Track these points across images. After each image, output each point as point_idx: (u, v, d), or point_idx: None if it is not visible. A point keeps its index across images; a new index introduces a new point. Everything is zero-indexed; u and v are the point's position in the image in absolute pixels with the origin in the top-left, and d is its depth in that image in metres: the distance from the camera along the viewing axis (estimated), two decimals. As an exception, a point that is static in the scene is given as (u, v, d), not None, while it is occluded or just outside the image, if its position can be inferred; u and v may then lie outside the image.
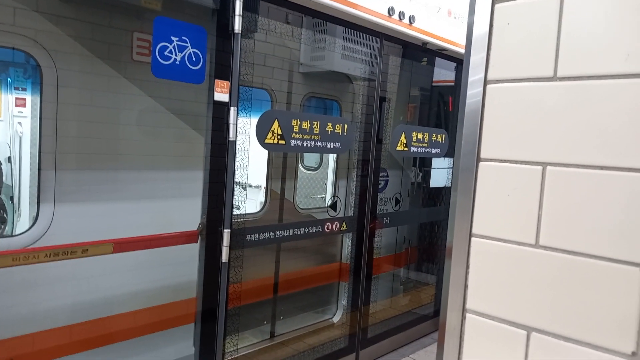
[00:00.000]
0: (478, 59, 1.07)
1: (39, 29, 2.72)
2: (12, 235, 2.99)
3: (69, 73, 2.84)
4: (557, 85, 0.98)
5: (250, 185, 6.23)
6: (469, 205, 1.09)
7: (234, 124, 2.89)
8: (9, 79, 5.26)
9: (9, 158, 5.37)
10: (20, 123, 5.37)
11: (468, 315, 1.10)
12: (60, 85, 2.79)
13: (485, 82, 1.06)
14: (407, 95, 4.95)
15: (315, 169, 5.62)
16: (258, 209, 5.05)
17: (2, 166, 4.85)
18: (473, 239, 1.09)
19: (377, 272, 4.41)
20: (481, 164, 1.07)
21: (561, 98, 0.97)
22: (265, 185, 4.55)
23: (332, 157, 5.20)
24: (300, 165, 5.08)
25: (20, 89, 5.52)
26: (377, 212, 4.08)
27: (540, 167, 1.00)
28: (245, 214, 3.88)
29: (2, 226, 4.56)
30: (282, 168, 4.53)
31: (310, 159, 5.52)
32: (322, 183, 5.41)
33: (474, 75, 1.08)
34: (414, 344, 4.66)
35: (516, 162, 1.03)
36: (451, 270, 1.12)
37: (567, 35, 0.96)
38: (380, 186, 4.50)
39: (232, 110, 2.87)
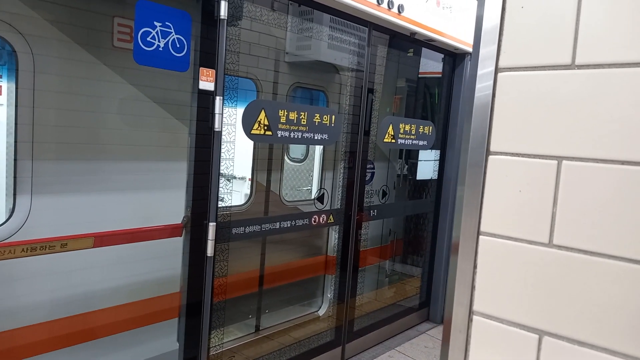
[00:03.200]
0: (489, 44, 1.00)
1: (14, 12, 2.58)
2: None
3: (46, 59, 2.70)
4: (575, 74, 0.91)
5: (235, 177, 6.17)
6: (477, 201, 1.02)
7: (219, 113, 2.81)
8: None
9: None
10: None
11: (475, 317, 1.03)
12: (36, 72, 2.65)
13: (497, 70, 0.99)
14: (394, 86, 4.88)
15: (301, 161, 5.55)
16: (243, 201, 4.96)
17: None
18: (481, 237, 1.02)
19: (364, 264, 4.36)
20: (491, 157, 1.00)
21: (579, 87, 0.90)
22: (250, 177, 4.46)
23: (318, 149, 5.11)
24: (285, 157, 4.99)
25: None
26: (364, 204, 4.02)
27: (555, 162, 0.93)
28: (230, 207, 3.80)
29: None
30: (267, 159, 4.43)
31: (296, 150, 5.44)
32: (308, 175, 5.33)
33: (484, 61, 1.01)
34: (399, 336, 4.63)
35: (529, 155, 0.96)
36: (457, 270, 1.05)
37: (587, 19, 0.89)
38: (366, 178, 4.44)
39: (218, 99, 2.78)
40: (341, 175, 4.00)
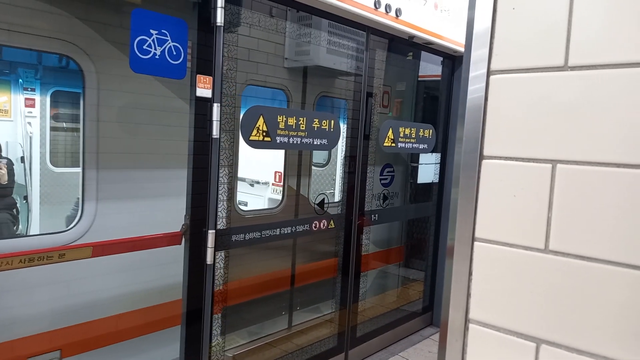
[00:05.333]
0: (480, 47, 0.98)
1: (80, 34, 2.92)
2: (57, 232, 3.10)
3: (108, 76, 3.05)
4: (569, 75, 0.89)
5: (258, 182, 6.23)
6: (471, 207, 1.00)
7: (217, 120, 2.79)
8: (20, 80, 5.20)
9: (22, 158, 5.28)
10: (30, 123, 5.34)
11: (471, 325, 1.01)
12: (100, 89, 3.04)
13: (489, 73, 0.97)
14: (393, 90, 4.87)
15: (323, 166, 5.59)
16: (267, 205, 5.03)
17: (15, 166, 4.79)
18: (476, 243, 1.00)
19: (366, 269, 4.34)
20: (484, 162, 0.98)
21: (573, 89, 0.88)
22: (282, 182, 4.61)
23: (340, 154, 5.17)
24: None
25: (29, 89, 5.46)
26: (366, 208, 4.00)
27: (549, 165, 0.91)
28: (263, 210, 3.89)
29: (15, 225, 4.48)
30: (297, 165, 4.55)
31: (319, 155, 5.52)
32: (331, 179, 5.36)
33: (476, 64, 0.99)
34: (403, 341, 4.59)
35: (523, 159, 0.94)
36: (452, 278, 1.02)
37: (580, 20, 0.87)
38: (386, 181, 4.45)
39: (215, 106, 2.77)
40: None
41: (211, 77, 2.76)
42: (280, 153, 4.82)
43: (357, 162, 3.84)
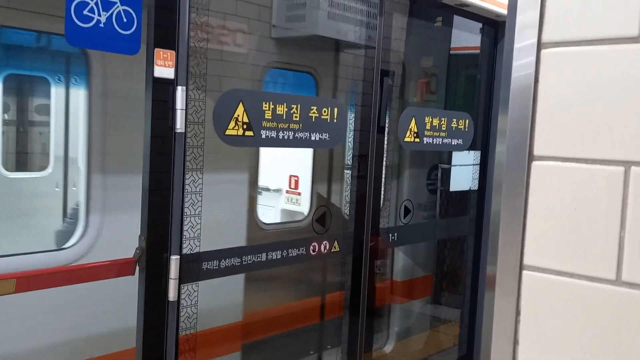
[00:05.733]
0: (527, 10, 0.99)
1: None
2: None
3: None
4: (646, 49, 0.89)
5: (268, 189, 6.27)
6: (517, 223, 1.00)
7: (182, 109, 2.80)
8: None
9: None
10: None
11: (520, 382, 1.01)
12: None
13: (540, 46, 0.98)
14: (416, 67, 4.89)
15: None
16: (279, 219, 5.07)
17: None
18: (525, 272, 1.00)
19: (381, 304, 4.35)
20: (535, 164, 0.99)
21: (652, 67, 0.89)
22: (310, 189, 4.79)
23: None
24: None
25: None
26: (381, 225, 4.02)
27: (622, 168, 0.91)
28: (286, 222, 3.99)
29: None
30: (328, 167, 4.67)
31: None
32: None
33: (522, 34, 1.00)
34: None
35: (587, 161, 0.94)
36: (494, 318, 1.03)
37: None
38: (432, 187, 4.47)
39: (180, 90, 2.78)
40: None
41: (174, 52, 2.77)
42: (299, 152, 4.86)
43: (368, 163, 3.85)
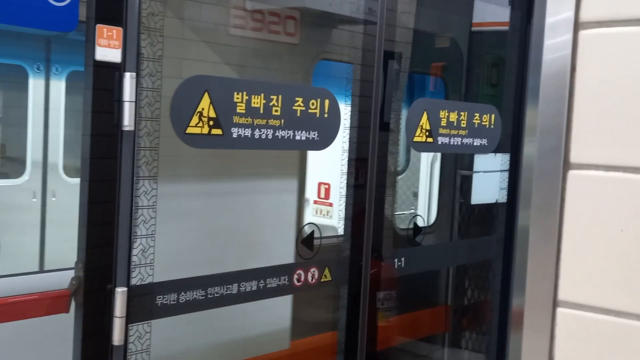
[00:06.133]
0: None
1: None
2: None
3: None
4: None
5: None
6: (550, 247, 1.04)
7: (131, 101, 2.85)
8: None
9: None
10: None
11: None
12: None
13: (577, 26, 1.02)
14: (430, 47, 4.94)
15: (399, 174, 5.65)
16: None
17: None
18: (560, 309, 1.03)
19: (383, 347, 4.40)
20: (572, 173, 1.02)
21: None
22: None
23: (425, 155, 5.21)
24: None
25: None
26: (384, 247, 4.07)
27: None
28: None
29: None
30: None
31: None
32: (409, 193, 5.43)
33: (555, 13, 1.03)
34: None
35: (636, 170, 0.97)
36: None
37: None
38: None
39: (128, 77, 2.84)
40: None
41: (120, 29, 2.82)
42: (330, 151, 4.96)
43: (368, 169, 3.91)
